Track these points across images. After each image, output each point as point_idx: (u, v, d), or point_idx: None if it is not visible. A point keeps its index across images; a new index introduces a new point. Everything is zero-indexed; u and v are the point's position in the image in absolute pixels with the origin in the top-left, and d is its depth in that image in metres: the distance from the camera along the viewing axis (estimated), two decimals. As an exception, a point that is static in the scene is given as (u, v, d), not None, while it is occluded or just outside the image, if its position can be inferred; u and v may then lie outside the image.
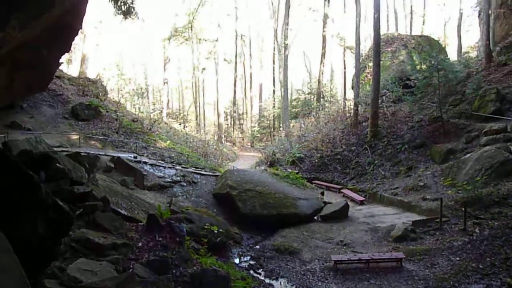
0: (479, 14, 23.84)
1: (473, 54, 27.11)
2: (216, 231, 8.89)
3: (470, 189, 10.39)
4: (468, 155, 12.52)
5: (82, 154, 10.12)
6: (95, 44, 29.68)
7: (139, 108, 26.25)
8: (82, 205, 6.06)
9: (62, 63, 18.23)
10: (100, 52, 29.23)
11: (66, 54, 16.33)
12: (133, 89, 27.62)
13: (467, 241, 8.37)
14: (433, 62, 16.02)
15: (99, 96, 21.13)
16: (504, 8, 19.53)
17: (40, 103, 17.26)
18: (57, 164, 6.26)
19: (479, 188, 10.48)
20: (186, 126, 32.61)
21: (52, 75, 15.06)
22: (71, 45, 13.04)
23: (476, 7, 26.93)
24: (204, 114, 44.21)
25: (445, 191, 11.70)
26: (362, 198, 14.42)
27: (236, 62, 43.96)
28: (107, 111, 19.16)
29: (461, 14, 30.55)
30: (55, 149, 8.87)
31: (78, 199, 6.18)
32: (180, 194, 12.51)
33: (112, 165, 12.17)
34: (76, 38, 14.66)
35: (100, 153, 13.18)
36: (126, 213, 7.54)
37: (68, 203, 5.12)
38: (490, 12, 18.18)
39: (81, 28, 14.34)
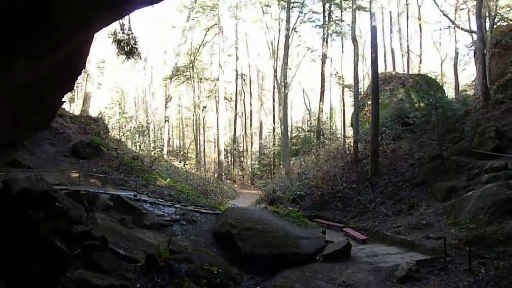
0: (475, 53, 24.42)
1: (471, 92, 27.54)
2: (215, 272, 8.67)
3: (473, 227, 10.24)
4: (470, 193, 12.42)
5: (81, 192, 10.04)
6: (98, 83, 30.24)
7: (139, 146, 26.37)
8: (80, 245, 5.96)
9: (64, 101, 18.49)
10: (103, 91, 29.71)
11: (69, 93, 16.65)
12: (134, 127, 27.87)
13: (472, 281, 8.15)
14: (431, 100, 16.23)
15: (101, 134, 21.27)
16: (498, 48, 20.04)
17: (41, 141, 17.32)
18: (57, 203, 6.22)
19: (483, 227, 10.33)
20: (187, 164, 32.63)
21: (54, 114, 15.23)
22: (74, 84, 13.26)
23: (471, 46, 27.63)
24: (204, 152, 44.39)
25: (448, 229, 11.52)
26: (364, 237, 14.17)
27: (236, 100, 44.61)
28: (108, 149, 19.21)
29: (457, 53, 31.28)
30: (55, 187, 8.83)
31: (76, 238, 6.09)
32: (179, 233, 12.31)
33: (112, 204, 12.06)
34: (79, 77, 14.98)
35: (100, 191, 13.09)
36: (124, 253, 7.40)
37: (67, 242, 5.05)
38: (485, 51, 18.60)
39: (84, 68, 14.64)
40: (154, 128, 42.37)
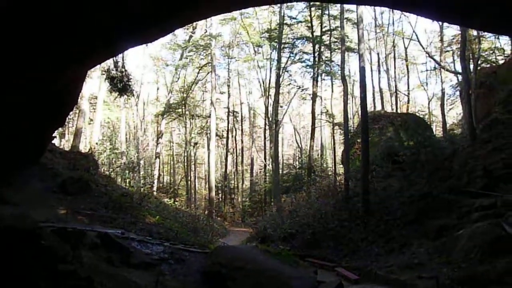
0: (461, 94, 25.10)
1: (458, 131, 28.05)
2: (204, 314, 8.41)
3: (465, 267, 10.15)
4: (461, 231, 12.40)
5: (68, 230, 9.83)
6: (90, 119, 30.28)
7: (129, 182, 26.10)
8: (65, 285, 5.78)
9: (55, 137, 18.42)
10: (94, 126, 29.71)
11: (60, 128, 16.65)
12: (124, 163, 27.68)
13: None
14: (419, 139, 16.49)
15: (90, 170, 21.06)
16: (483, 89, 20.63)
17: (29, 177, 17.04)
18: (42, 241, 6.07)
19: (475, 266, 10.24)
20: (177, 201, 32.26)
21: (44, 150, 15.11)
22: (65, 120, 13.27)
23: (457, 87, 28.44)
24: (195, 188, 44.05)
25: (440, 268, 11.40)
26: (356, 277, 13.93)
27: (228, 137, 44.84)
28: (97, 185, 18.98)
29: (443, 93, 32.09)
30: (41, 224, 8.63)
31: (61, 278, 5.90)
32: (167, 272, 11.99)
33: (99, 242, 11.77)
34: (71, 113, 15.02)
35: (87, 228, 12.80)
36: (110, 294, 7.17)
37: (52, 282, 4.90)
38: (470, 92, 19.12)
39: (76, 104, 14.71)
40: (145, 164, 42.15)
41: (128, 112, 44.79)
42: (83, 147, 26.59)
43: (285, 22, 33.71)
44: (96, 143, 27.05)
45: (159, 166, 41.14)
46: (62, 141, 32.03)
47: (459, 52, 21.44)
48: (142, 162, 38.96)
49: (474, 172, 15.04)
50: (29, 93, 7.21)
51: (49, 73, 7.27)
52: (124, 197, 19.53)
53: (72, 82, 9.32)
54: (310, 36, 32.88)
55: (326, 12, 32.09)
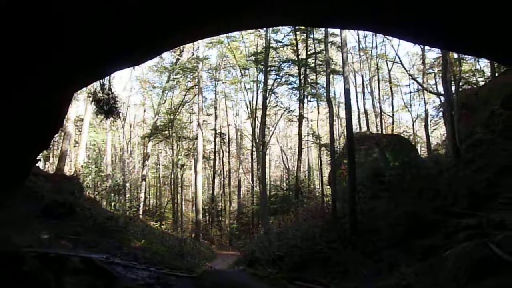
0: (443, 115, 25.59)
1: (442, 151, 28.48)
2: None
3: None
4: (448, 251, 12.42)
5: (51, 255, 9.59)
6: (75, 141, 29.95)
7: (115, 206, 25.71)
8: (45, 313, 5.59)
9: (39, 160, 18.14)
10: (79, 148, 29.39)
11: (44, 150, 16.45)
12: (110, 186, 27.32)
13: None
14: (405, 159, 16.67)
15: (75, 193, 20.75)
16: (465, 110, 21.09)
17: (12, 200, 16.68)
18: (23, 267, 5.90)
19: (463, 287, 10.23)
20: (163, 224, 31.80)
21: (28, 173, 14.83)
22: (50, 142, 13.10)
23: (440, 108, 29.03)
24: (181, 211, 43.53)
25: (429, 290, 11.36)
26: (345, 299, 13.79)
27: (215, 159, 44.71)
28: (81, 209, 18.66)
29: (427, 114, 32.71)
30: (23, 249, 8.40)
31: (42, 306, 5.72)
32: (153, 298, 11.71)
33: (83, 267, 11.47)
34: (56, 135, 14.86)
35: (71, 253, 12.50)
36: (93, 321, 6.95)
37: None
38: (453, 113, 19.51)
39: (61, 126, 14.59)
40: (131, 187, 41.63)
41: (114, 134, 44.47)
42: (68, 170, 26.20)
43: (271, 45, 34.27)
44: (81, 166, 26.72)
45: (145, 189, 40.71)
46: (46, 163, 31.51)
47: (441, 74, 21.98)
48: (128, 184, 38.48)
49: (459, 192, 15.21)
50: (13, 115, 7.13)
51: (34, 96, 7.22)
52: (109, 221, 19.19)
53: (58, 104, 9.25)
54: (296, 59, 33.45)
55: (311, 36, 32.76)
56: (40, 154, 14.36)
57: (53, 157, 33.52)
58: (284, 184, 43.18)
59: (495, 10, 6.03)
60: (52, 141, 14.58)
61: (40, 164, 24.86)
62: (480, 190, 15.06)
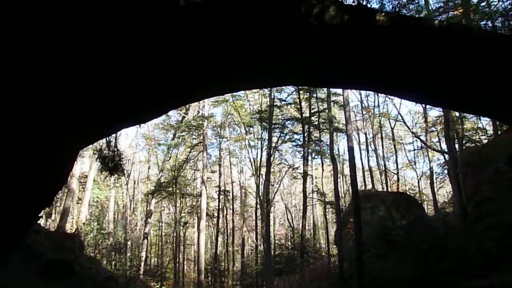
0: (448, 172, 25.47)
1: (449, 209, 28.02)
2: None
3: None
4: (461, 316, 11.87)
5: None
6: (78, 198, 29.84)
7: (115, 265, 25.07)
8: None
9: (41, 217, 17.99)
10: (82, 206, 29.20)
11: (47, 207, 16.33)
12: (111, 244, 26.81)
13: None
14: (412, 218, 16.39)
15: (75, 251, 20.34)
16: (469, 168, 21.00)
17: (11, 259, 16.34)
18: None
19: None
20: (164, 285, 30.77)
21: (29, 231, 14.66)
22: (53, 200, 13.05)
23: (444, 166, 28.96)
24: (183, 271, 42.28)
25: None
26: None
27: (218, 217, 44.08)
28: (81, 268, 18.18)
29: (431, 172, 32.56)
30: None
31: None
32: None
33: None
34: (59, 192, 14.86)
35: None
36: None
37: None
38: (458, 171, 19.43)
39: (65, 183, 14.60)
40: (132, 245, 40.80)
41: (118, 191, 44.35)
42: (70, 227, 25.87)
43: (275, 104, 35.01)
44: (83, 223, 26.40)
45: (147, 247, 39.81)
46: (48, 221, 31.18)
47: (443, 132, 22.17)
48: (129, 243, 37.75)
49: (468, 252, 14.78)
50: (17, 171, 7.19)
51: (40, 153, 7.32)
52: (109, 281, 18.64)
53: (64, 161, 9.34)
54: (300, 117, 34.01)
55: (314, 95, 33.56)
56: (43, 211, 14.27)
57: (55, 213, 33.26)
58: (289, 243, 42.11)
59: (492, 77, 6.25)
60: (55, 198, 14.58)
61: (41, 221, 24.59)
62: (490, 250, 14.63)
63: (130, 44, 5.46)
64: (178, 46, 5.71)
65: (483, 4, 18.91)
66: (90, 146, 18.56)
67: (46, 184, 9.43)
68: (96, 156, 14.01)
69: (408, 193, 32.76)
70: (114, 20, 5.09)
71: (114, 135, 14.26)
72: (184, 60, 5.99)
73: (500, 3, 17.12)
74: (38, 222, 19.92)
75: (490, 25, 16.94)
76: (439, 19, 17.19)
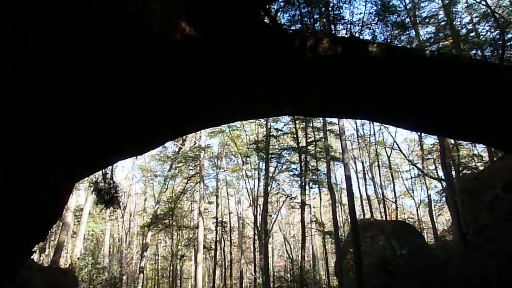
0: (447, 200, 25.36)
1: (449, 237, 27.73)
2: None
3: None
4: None
5: None
6: (73, 232, 29.37)
7: (110, 301, 24.44)
8: None
9: (34, 252, 17.63)
10: (77, 240, 28.71)
11: (40, 242, 16.03)
12: (106, 280, 26.21)
13: None
14: (412, 247, 16.20)
15: (69, 287, 19.86)
16: (467, 194, 20.94)
17: (1, 297, 15.90)
18: None
19: None
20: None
21: (21, 266, 14.33)
22: (47, 234, 12.83)
23: (442, 193, 28.87)
24: (180, 307, 41.21)
25: None
26: None
27: (216, 249, 43.31)
28: (73, 305, 17.71)
29: (430, 200, 32.45)
30: None
31: None
32: None
33: None
34: (53, 225, 14.59)
35: None
36: None
37: None
38: (456, 198, 19.37)
39: (60, 217, 14.39)
40: (128, 280, 39.88)
41: (114, 224, 43.75)
42: (64, 262, 25.33)
43: (271, 134, 35.15)
44: (78, 258, 25.88)
45: (143, 282, 38.90)
46: (42, 255, 30.56)
47: (440, 160, 22.24)
48: (125, 277, 36.92)
49: (470, 280, 14.53)
50: (9, 204, 7.09)
51: (35, 188, 7.24)
52: (103, 318, 18.13)
53: (59, 194, 9.24)
54: (296, 146, 34.08)
55: (310, 124, 33.76)
56: (36, 246, 13.99)
57: (49, 248, 32.63)
58: (288, 275, 41.32)
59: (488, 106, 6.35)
60: (49, 232, 14.32)
61: (35, 256, 24.12)
62: (491, 277, 14.41)
63: (123, 82, 5.52)
64: (168, 83, 5.77)
65: (472, 34, 19.45)
66: (86, 178, 18.47)
67: (40, 217, 9.30)
68: (92, 188, 13.87)
69: (407, 221, 32.52)
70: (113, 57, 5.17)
71: (110, 167, 14.20)
72: (172, 98, 6.04)
73: (489, 33, 17.61)
74: (31, 257, 19.53)
75: (480, 54, 17.35)
76: (430, 49, 17.61)
